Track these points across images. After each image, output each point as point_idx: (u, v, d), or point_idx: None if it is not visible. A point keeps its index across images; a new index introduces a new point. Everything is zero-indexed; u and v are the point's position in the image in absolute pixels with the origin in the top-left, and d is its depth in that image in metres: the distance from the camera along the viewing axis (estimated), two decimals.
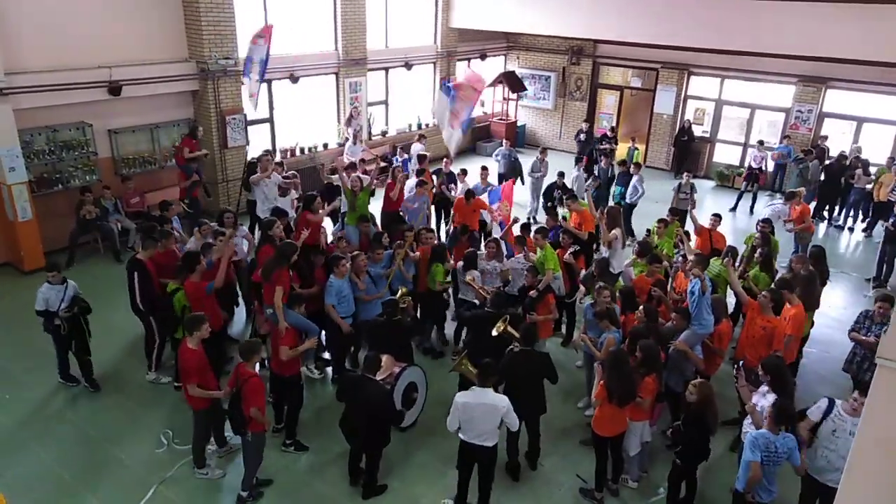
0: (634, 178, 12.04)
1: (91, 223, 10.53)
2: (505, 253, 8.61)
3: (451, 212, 10.78)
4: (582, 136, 16.59)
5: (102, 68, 10.61)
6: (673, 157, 17.00)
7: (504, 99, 18.88)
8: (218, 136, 12.34)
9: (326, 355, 8.12)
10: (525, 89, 18.79)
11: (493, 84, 18.41)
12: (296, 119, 14.04)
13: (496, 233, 10.08)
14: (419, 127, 17.09)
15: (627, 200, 12.02)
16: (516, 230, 9.50)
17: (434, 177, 11.51)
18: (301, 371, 6.79)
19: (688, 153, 16.63)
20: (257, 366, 5.85)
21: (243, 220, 10.13)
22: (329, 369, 8.00)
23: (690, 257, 7.46)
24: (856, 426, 4.88)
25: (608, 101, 18.58)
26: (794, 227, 10.65)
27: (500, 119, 18.94)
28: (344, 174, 9.98)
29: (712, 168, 16.90)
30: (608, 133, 16.32)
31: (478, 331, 6.98)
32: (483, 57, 18.53)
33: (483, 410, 5.43)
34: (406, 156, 13.21)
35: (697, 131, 16.78)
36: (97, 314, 7.47)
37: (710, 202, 14.81)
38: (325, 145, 14.73)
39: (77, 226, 10.47)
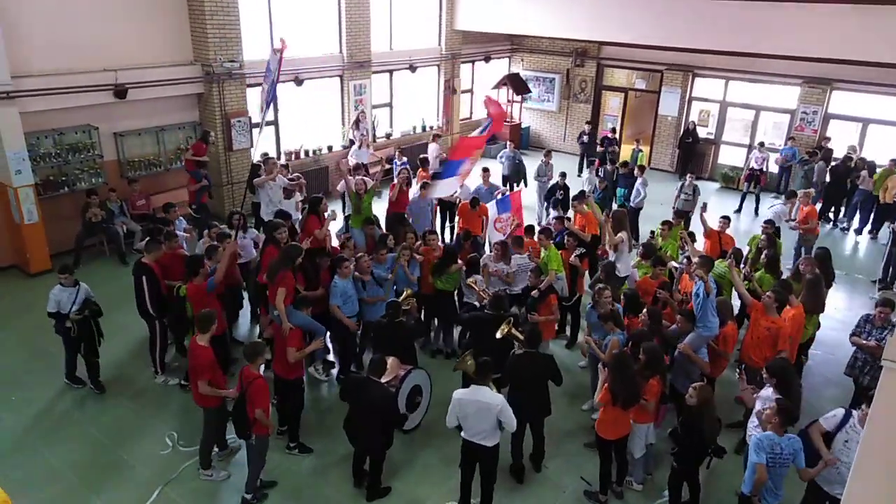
0: (638, 181, 12.04)
1: (97, 226, 10.57)
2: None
3: (456, 214, 10.79)
4: (585, 138, 16.62)
5: (108, 71, 10.66)
6: (677, 159, 16.98)
7: (508, 101, 18.88)
8: (223, 139, 12.38)
9: (331, 357, 8.13)
10: (529, 91, 18.80)
11: (498, 86, 18.44)
12: (301, 122, 14.07)
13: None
14: (423, 129, 17.13)
15: (631, 203, 12.00)
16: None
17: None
18: (304, 375, 6.78)
19: (692, 155, 16.61)
20: (261, 367, 5.86)
21: (248, 222, 10.12)
22: (334, 371, 8.01)
23: (695, 259, 7.45)
24: (860, 434, 4.89)
25: (612, 103, 18.57)
26: (799, 225, 10.63)
27: (505, 121, 18.92)
28: (349, 177, 10.00)
29: (717, 170, 16.86)
30: (609, 135, 16.32)
31: (477, 333, 6.99)
32: (487, 59, 18.56)
33: (477, 408, 5.43)
34: (405, 158, 13.19)
35: (702, 133, 16.77)
36: (102, 316, 7.48)
37: (714, 204, 14.74)
38: (330, 148, 14.76)
39: (83, 228, 10.52)
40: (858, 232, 13.40)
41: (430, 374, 7.14)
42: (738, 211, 14.29)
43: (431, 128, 17.37)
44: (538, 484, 6.43)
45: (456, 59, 17.40)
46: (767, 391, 5.65)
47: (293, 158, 13.76)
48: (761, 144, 14.94)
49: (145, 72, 11.14)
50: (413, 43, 16.36)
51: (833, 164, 13.84)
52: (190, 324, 6.93)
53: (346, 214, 10.43)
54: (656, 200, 12.81)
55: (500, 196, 10.61)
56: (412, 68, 16.29)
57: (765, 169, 14.53)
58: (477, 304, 7.71)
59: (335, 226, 10.95)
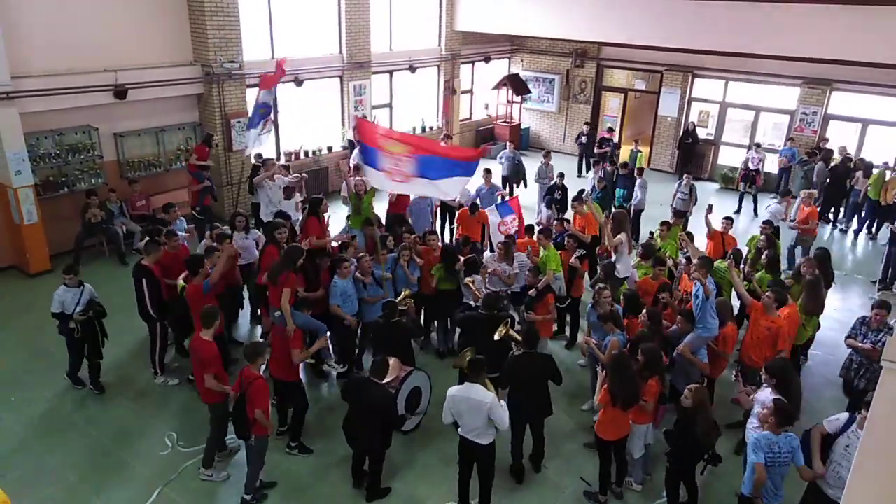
0: (637, 182, 12.06)
1: (96, 226, 10.57)
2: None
3: (455, 216, 10.78)
4: (583, 139, 16.63)
5: (108, 72, 10.67)
6: (677, 160, 16.98)
7: (508, 101, 18.90)
8: (223, 140, 12.38)
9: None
10: (529, 92, 18.81)
11: (497, 87, 18.45)
12: (300, 122, 14.07)
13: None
14: (423, 130, 17.14)
15: (629, 204, 12.02)
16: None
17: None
18: (300, 376, 6.78)
19: (692, 156, 16.62)
20: (262, 368, 5.86)
21: (250, 223, 10.11)
22: (334, 372, 8.01)
23: (694, 259, 7.45)
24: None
25: (612, 104, 18.58)
26: (798, 225, 10.64)
27: (504, 121, 18.95)
28: (350, 178, 10.00)
29: (716, 170, 16.87)
30: (605, 135, 16.33)
31: (471, 333, 7.00)
32: (487, 60, 18.57)
33: (469, 405, 5.44)
34: None
35: (702, 134, 16.77)
36: (107, 317, 7.45)
37: (714, 205, 14.74)
38: (330, 148, 14.76)
39: (82, 229, 10.51)
40: (857, 233, 13.40)
41: (430, 374, 7.14)
42: (738, 211, 14.29)
43: (431, 128, 17.38)
44: (538, 484, 6.43)
45: (456, 60, 17.41)
46: (764, 393, 5.64)
47: (293, 159, 13.76)
48: (758, 145, 14.96)
49: (145, 72, 11.15)
50: (413, 43, 16.36)
51: (833, 164, 13.84)
52: (191, 325, 6.94)
53: (347, 215, 10.43)
54: (656, 201, 12.82)
55: (499, 197, 10.64)
56: (412, 69, 16.29)
57: (761, 169, 14.54)
58: (473, 303, 7.73)
59: (336, 228, 10.97)
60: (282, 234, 7.76)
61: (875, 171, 12.95)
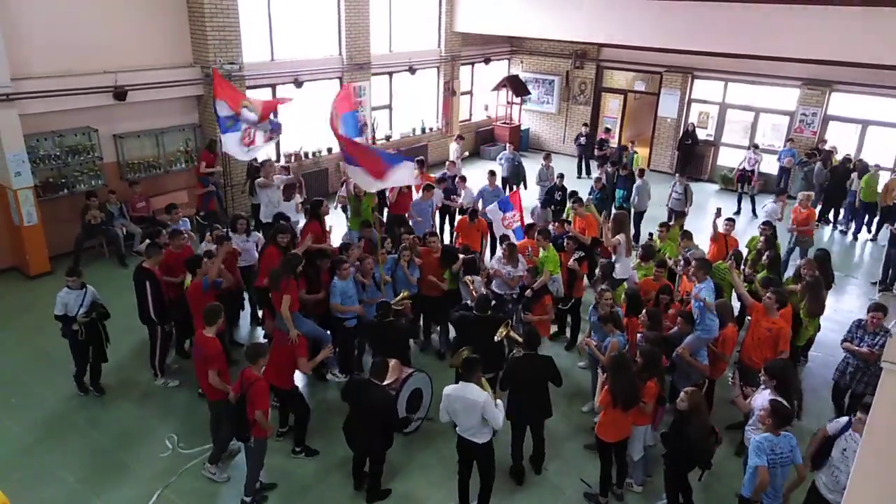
0: (636, 184, 12.07)
1: (96, 228, 10.56)
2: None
3: (454, 217, 10.79)
4: (582, 140, 16.64)
5: (108, 73, 10.67)
6: (677, 161, 16.98)
7: (508, 103, 18.90)
8: (222, 142, 12.35)
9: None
10: (529, 93, 18.81)
11: (497, 88, 18.46)
12: (300, 124, 14.05)
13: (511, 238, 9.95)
14: (423, 131, 17.14)
15: (627, 205, 12.03)
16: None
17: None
18: (297, 384, 6.79)
19: (692, 157, 16.62)
20: (262, 369, 5.85)
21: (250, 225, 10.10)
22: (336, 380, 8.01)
23: (693, 260, 7.46)
24: (858, 444, 4.89)
25: (612, 105, 18.58)
26: (796, 227, 10.65)
27: (504, 123, 18.96)
28: (350, 180, 10.00)
29: (716, 171, 16.86)
30: (603, 136, 16.33)
31: (464, 333, 7.02)
32: (487, 61, 18.57)
33: (464, 404, 5.45)
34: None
35: (701, 135, 16.77)
36: (110, 318, 7.44)
37: (714, 206, 14.75)
38: (330, 150, 14.75)
39: (82, 230, 10.51)
40: (856, 234, 13.38)
41: (431, 376, 7.14)
42: (738, 212, 14.29)
43: (431, 130, 17.39)
44: (538, 486, 6.43)
45: (455, 61, 17.41)
46: (762, 395, 5.64)
47: (293, 160, 13.75)
48: (755, 146, 14.97)
49: (145, 74, 11.15)
50: (412, 45, 16.37)
51: (834, 165, 13.84)
52: (192, 326, 6.96)
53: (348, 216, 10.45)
54: (655, 202, 12.81)
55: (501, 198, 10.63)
56: (412, 70, 16.30)
57: (756, 170, 14.55)
58: (469, 303, 7.75)
59: (337, 235, 10.97)
60: (284, 237, 7.77)
61: (859, 173, 12.92)
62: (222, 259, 7.24)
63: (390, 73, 15.94)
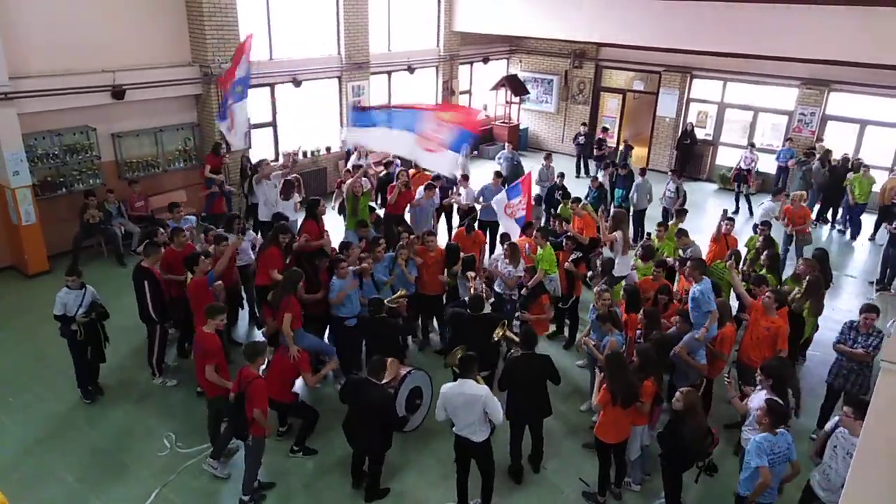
0: (635, 182, 12.09)
1: (95, 227, 10.55)
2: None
3: (452, 215, 10.78)
4: (581, 140, 16.64)
5: (106, 72, 10.65)
6: (675, 160, 16.99)
7: (507, 102, 18.89)
8: (220, 140, 12.33)
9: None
10: (527, 93, 18.81)
11: (496, 87, 18.45)
12: (299, 123, 14.06)
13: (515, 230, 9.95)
14: None
15: (626, 204, 12.05)
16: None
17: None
18: (298, 393, 6.79)
19: (690, 156, 16.64)
20: (261, 368, 5.85)
21: (246, 225, 10.09)
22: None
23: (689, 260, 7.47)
24: (848, 442, 4.97)
25: (611, 105, 18.59)
26: (792, 227, 10.67)
27: (503, 122, 18.95)
28: (349, 180, 10.00)
29: (715, 171, 16.87)
30: (600, 135, 16.34)
31: (458, 331, 7.04)
32: (486, 60, 18.57)
33: (463, 400, 5.45)
34: (398, 161, 13.15)
35: (700, 134, 16.78)
36: (109, 318, 7.41)
37: (712, 205, 14.79)
38: (328, 149, 14.76)
39: (81, 229, 10.50)
40: (854, 235, 13.38)
41: (431, 374, 7.14)
42: (736, 211, 14.30)
43: None
44: (537, 485, 6.43)
45: (454, 61, 17.41)
46: (759, 396, 5.65)
47: (291, 160, 13.71)
48: (752, 145, 14.98)
49: (143, 73, 11.13)
50: (411, 44, 16.36)
51: (833, 164, 13.84)
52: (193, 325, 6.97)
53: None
54: (655, 202, 12.81)
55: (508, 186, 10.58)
56: (410, 69, 16.29)
57: (752, 169, 14.56)
58: (467, 300, 7.77)
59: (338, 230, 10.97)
60: (285, 237, 7.76)
61: (857, 173, 12.91)
62: (231, 252, 7.34)
63: (389, 73, 15.94)
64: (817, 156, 13.68)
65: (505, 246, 8.36)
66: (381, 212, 10.94)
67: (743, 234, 10.93)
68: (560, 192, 11.64)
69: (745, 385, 6.50)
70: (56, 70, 10.12)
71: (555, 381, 6.27)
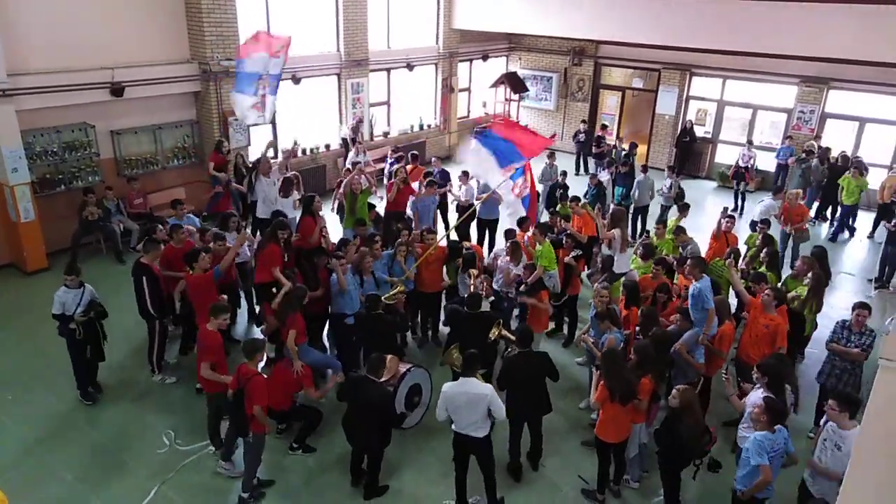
0: (639, 178, 12.10)
1: (93, 224, 10.54)
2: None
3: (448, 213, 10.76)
4: (581, 137, 16.63)
5: (105, 69, 10.63)
6: (675, 158, 16.98)
7: (506, 100, 18.88)
8: (219, 137, 12.33)
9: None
10: (527, 90, 18.79)
11: (495, 85, 18.44)
12: (298, 120, 14.04)
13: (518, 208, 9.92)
14: (421, 128, 17.12)
15: (626, 202, 12.06)
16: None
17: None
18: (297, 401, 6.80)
19: (690, 154, 16.63)
20: (260, 364, 5.86)
21: (241, 224, 10.06)
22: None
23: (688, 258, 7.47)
24: (837, 435, 5.06)
25: (610, 102, 18.58)
26: (791, 226, 10.68)
27: (502, 120, 18.91)
28: (349, 178, 9.99)
29: (714, 169, 16.88)
30: (599, 132, 16.34)
31: (456, 329, 7.05)
32: (485, 58, 18.55)
33: (467, 399, 5.47)
34: (395, 157, 13.14)
35: (699, 132, 16.77)
36: (107, 317, 7.39)
37: (711, 203, 14.78)
38: (328, 146, 14.75)
39: (79, 227, 10.49)
40: (851, 232, 13.38)
41: (430, 371, 7.14)
42: (735, 209, 14.29)
43: (429, 126, 17.37)
44: (536, 483, 6.44)
45: (453, 58, 17.39)
46: (756, 394, 5.66)
47: (290, 157, 13.70)
48: (749, 143, 14.97)
49: (142, 70, 11.11)
50: (411, 41, 16.34)
51: (831, 163, 13.84)
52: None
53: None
54: (655, 200, 12.81)
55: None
56: (410, 67, 16.27)
57: (750, 167, 14.56)
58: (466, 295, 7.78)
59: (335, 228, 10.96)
60: (284, 233, 7.77)
61: (847, 173, 12.88)
62: (238, 247, 7.44)
63: (388, 70, 15.92)
64: (815, 153, 13.67)
65: (508, 243, 8.37)
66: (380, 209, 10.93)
67: (740, 232, 10.92)
68: (561, 190, 11.64)
69: (743, 382, 6.50)
70: (55, 67, 10.09)
71: (553, 377, 6.27)
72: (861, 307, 6.75)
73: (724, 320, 6.92)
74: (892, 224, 10.57)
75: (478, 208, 10.58)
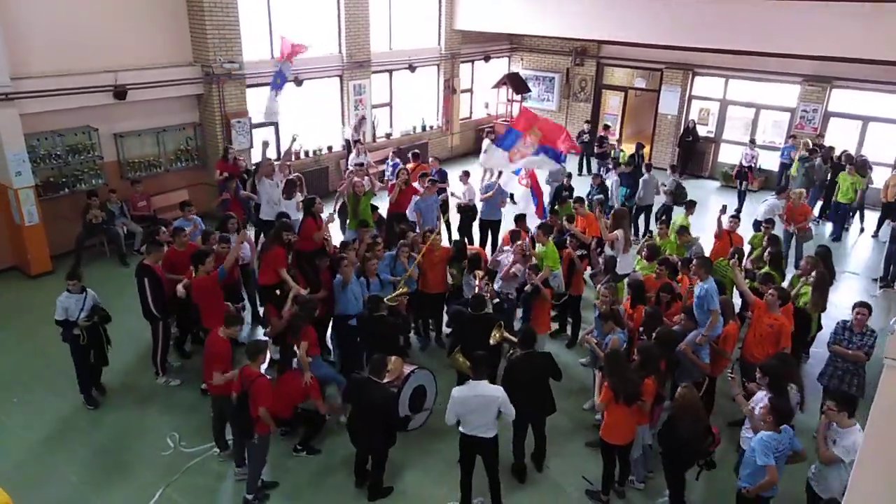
0: (645, 177, 12.09)
1: (97, 227, 10.56)
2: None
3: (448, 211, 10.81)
4: (585, 137, 16.62)
5: (108, 72, 10.66)
6: (678, 158, 16.96)
7: (508, 100, 18.88)
8: (223, 140, 12.37)
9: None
10: (529, 91, 18.79)
11: (497, 86, 18.44)
12: (300, 122, 14.05)
13: (527, 201, 9.99)
14: (423, 129, 17.13)
15: (630, 203, 12.04)
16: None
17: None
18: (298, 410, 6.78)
19: (693, 153, 16.61)
20: (263, 366, 5.85)
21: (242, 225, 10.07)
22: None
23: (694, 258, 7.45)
24: (833, 431, 5.13)
25: (612, 102, 18.56)
26: (794, 226, 10.65)
27: (505, 121, 18.91)
28: (349, 178, 10.00)
29: (717, 168, 16.85)
30: (601, 132, 16.33)
31: (459, 330, 7.05)
32: (487, 59, 18.55)
33: (479, 402, 5.48)
34: (397, 160, 13.15)
35: (702, 131, 16.76)
36: (111, 322, 7.41)
37: (714, 203, 14.72)
38: (330, 148, 14.76)
39: (83, 229, 10.51)
40: (846, 230, 13.32)
41: (434, 373, 7.13)
42: (739, 209, 14.25)
43: (431, 128, 17.37)
44: (540, 484, 6.44)
45: (455, 59, 17.40)
46: (761, 396, 5.65)
47: (293, 159, 13.73)
48: (752, 142, 14.95)
49: (145, 73, 11.14)
50: (412, 43, 16.35)
51: (834, 161, 13.80)
52: (192, 325, 6.96)
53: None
54: (656, 200, 12.80)
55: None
56: (412, 68, 16.28)
57: (753, 166, 14.52)
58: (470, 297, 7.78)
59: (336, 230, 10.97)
60: (289, 235, 7.78)
61: (878, 169, 12.86)
62: (239, 246, 7.46)
63: (390, 71, 15.93)
64: (819, 153, 13.63)
65: (514, 246, 8.38)
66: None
67: (742, 231, 10.90)
68: (567, 191, 11.64)
69: (748, 382, 6.49)
70: (58, 70, 10.12)
71: (556, 377, 6.28)
72: (861, 306, 6.72)
73: (727, 320, 6.90)
74: None
75: (480, 207, 10.61)
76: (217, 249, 7.66)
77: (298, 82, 13.52)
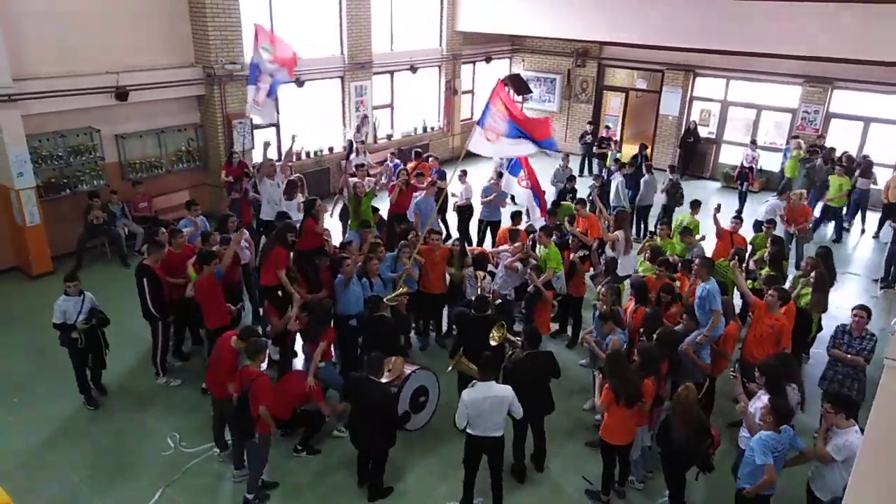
0: (646, 178, 12.08)
1: (98, 228, 10.58)
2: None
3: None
4: (588, 138, 16.63)
5: (109, 74, 10.68)
6: (679, 159, 16.96)
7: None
8: (224, 141, 12.39)
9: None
10: (530, 92, 18.71)
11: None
12: (301, 123, 14.07)
13: (531, 204, 9.95)
14: (424, 130, 17.14)
15: (633, 205, 12.04)
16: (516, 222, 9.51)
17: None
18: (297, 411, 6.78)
19: (694, 154, 16.61)
20: (263, 365, 5.85)
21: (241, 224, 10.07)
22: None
23: (696, 259, 7.44)
24: (831, 430, 5.11)
25: (613, 103, 18.56)
26: (794, 227, 10.65)
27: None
28: (350, 180, 10.00)
29: (718, 169, 16.84)
30: (603, 133, 16.32)
31: (463, 331, 7.06)
32: (488, 60, 18.56)
33: (491, 403, 5.52)
34: (398, 161, 13.14)
35: (703, 132, 16.76)
36: (109, 325, 7.39)
37: (716, 204, 14.69)
38: (331, 149, 14.78)
39: (85, 230, 10.53)
40: (862, 231, 13.30)
41: (436, 373, 7.13)
42: (741, 210, 14.24)
43: (433, 129, 17.39)
44: (540, 484, 6.44)
45: (457, 60, 17.41)
46: (759, 399, 5.64)
47: (294, 159, 13.74)
48: (753, 143, 14.94)
49: (147, 74, 11.16)
50: (414, 44, 16.37)
51: (836, 162, 13.78)
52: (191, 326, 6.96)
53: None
54: (657, 201, 12.79)
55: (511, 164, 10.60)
56: (413, 69, 16.30)
57: (754, 167, 14.51)
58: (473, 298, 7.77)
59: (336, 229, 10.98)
60: (292, 235, 7.79)
61: (880, 170, 12.82)
62: (235, 245, 7.50)
63: (392, 73, 15.94)
64: (820, 153, 13.62)
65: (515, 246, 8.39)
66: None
67: (743, 232, 10.89)
68: (570, 194, 11.65)
69: (748, 382, 6.48)
70: (59, 72, 10.14)
71: (556, 375, 6.30)
72: (859, 309, 6.68)
73: (728, 321, 6.90)
74: None
75: (479, 207, 10.61)
76: (218, 250, 7.67)
77: (300, 83, 13.52)
